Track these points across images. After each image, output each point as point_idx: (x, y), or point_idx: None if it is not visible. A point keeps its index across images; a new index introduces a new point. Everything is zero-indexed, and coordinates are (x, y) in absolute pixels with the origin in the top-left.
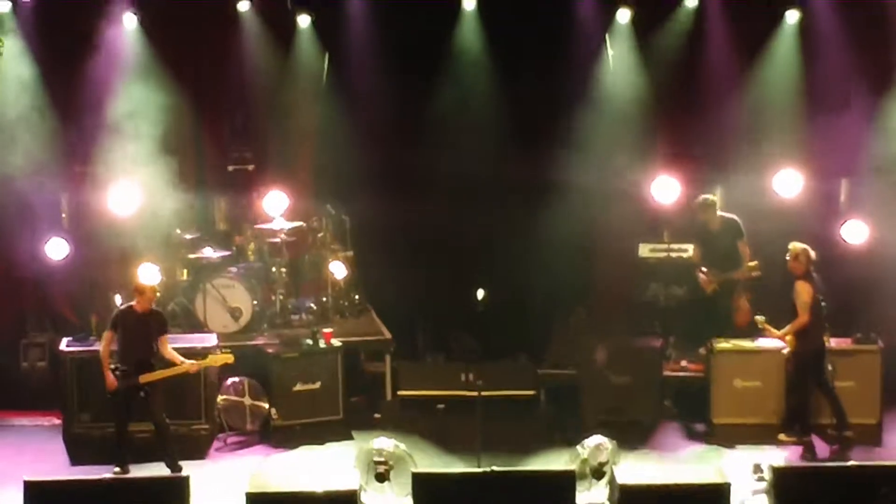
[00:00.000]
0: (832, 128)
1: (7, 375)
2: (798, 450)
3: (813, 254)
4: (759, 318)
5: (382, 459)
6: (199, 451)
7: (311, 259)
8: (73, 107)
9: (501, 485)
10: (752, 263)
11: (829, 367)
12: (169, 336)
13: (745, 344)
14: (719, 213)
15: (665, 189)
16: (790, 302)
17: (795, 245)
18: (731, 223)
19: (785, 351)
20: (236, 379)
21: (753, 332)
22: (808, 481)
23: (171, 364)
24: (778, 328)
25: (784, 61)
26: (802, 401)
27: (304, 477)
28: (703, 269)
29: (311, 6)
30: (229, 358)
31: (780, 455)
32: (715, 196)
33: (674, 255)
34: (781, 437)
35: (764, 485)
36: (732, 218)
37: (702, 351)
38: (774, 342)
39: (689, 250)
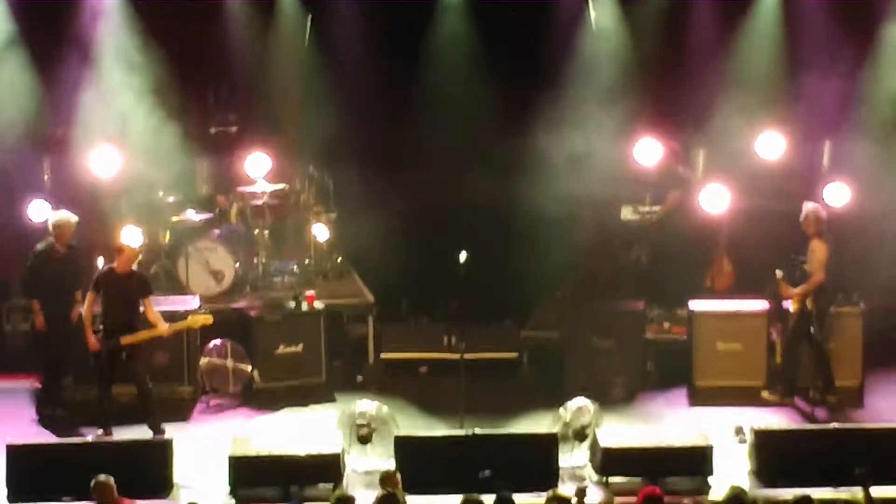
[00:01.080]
0: (815, 90)
1: None
2: (780, 411)
3: (825, 213)
4: (779, 272)
5: (365, 422)
6: (181, 414)
7: (294, 221)
8: (55, 69)
9: (484, 447)
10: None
11: (811, 329)
12: (152, 298)
13: (727, 306)
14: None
15: (648, 152)
16: (783, 263)
17: (806, 205)
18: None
19: (792, 309)
20: (219, 341)
21: (735, 294)
22: (790, 443)
23: (154, 326)
24: (753, 288)
25: (767, 23)
26: (793, 362)
27: (287, 439)
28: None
29: None
30: (208, 319)
31: (762, 417)
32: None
33: (656, 217)
34: (765, 395)
35: (745, 447)
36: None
37: (682, 312)
38: (756, 304)
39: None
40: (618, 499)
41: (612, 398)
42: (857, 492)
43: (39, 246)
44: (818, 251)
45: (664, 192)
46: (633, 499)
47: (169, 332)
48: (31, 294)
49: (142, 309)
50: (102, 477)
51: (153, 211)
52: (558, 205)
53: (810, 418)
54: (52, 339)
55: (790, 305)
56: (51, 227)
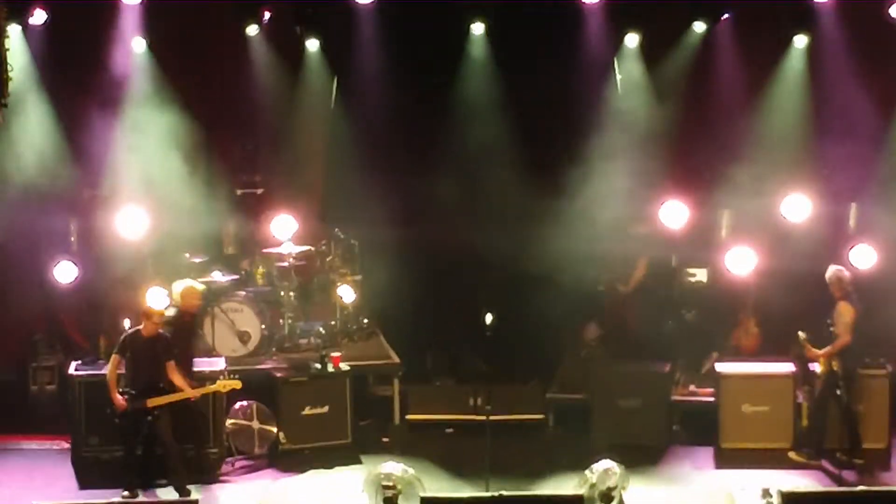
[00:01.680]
0: (841, 151)
1: (16, 399)
2: (807, 473)
3: (848, 275)
4: (802, 334)
5: (391, 484)
6: (207, 475)
7: (320, 283)
8: (82, 130)
9: None
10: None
11: (838, 392)
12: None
13: (754, 368)
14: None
15: (674, 213)
16: (810, 324)
17: (830, 269)
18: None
19: (818, 371)
20: (245, 403)
21: (762, 356)
22: None
23: (180, 388)
24: (779, 350)
25: (792, 84)
26: (821, 423)
27: (312, 501)
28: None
29: (320, 30)
30: (237, 384)
31: (789, 479)
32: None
33: (684, 279)
34: (792, 455)
35: None
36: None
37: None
38: (783, 366)
39: (696, 275)
40: None
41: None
42: None
43: (169, 314)
44: (845, 314)
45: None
46: None
47: (197, 395)
48: None
49: (164, 370)
50: None
51: (179, 272)
52: (583, 264)
53: (838, 480)
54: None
55: (817, 367)
56: (178, 296)
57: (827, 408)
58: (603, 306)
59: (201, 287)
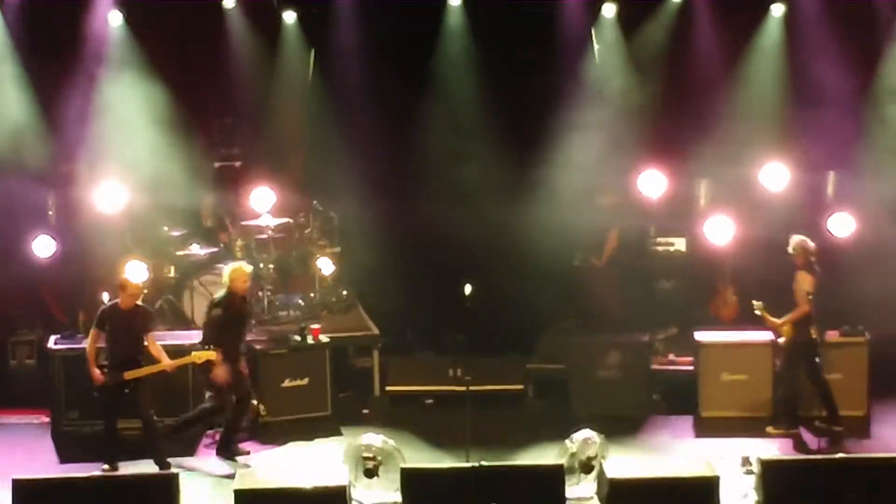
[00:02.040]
0: (818, 120)
1: None
2: (786, 442)
3: (812, 245)
4: (758, 303)
5: (371, 455)
6: (187, 448)
7: (299, 255)
8: (59, 105)
9: (490, 480)
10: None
11: (817, 359)
12: (154, 333)
13: (733, 337)
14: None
15: (652, 183)
16: (788, 293)
17: (795, 237)
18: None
19: (780, 341)
20: None
21: (740, 325)
22: (797, 474)
23: (157, 360)
24: (757, 319)
25: (770, 54)
26: (791, 393)
27: (292, 473)
28: None
29: (297, 2)
30: (211, 355)
31: (769, 448)
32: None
33: (660, 248)
34: (770, 429)
35: (752, 478)
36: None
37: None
38: (761, 335)
39: (674, 244)
40: None
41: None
42: None
43: (218, 296)
44: (804, 283)
45: (671, 223)
46: None
47: (173, 366)
48: (216, 343)
49: (143, 343)
50: None
51: (158, 245)
52: (561, 235)
53: (816, 448)
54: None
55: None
56: (227, 278)
57: (792, 378)
58: (580, 279)
59: (250, 268)
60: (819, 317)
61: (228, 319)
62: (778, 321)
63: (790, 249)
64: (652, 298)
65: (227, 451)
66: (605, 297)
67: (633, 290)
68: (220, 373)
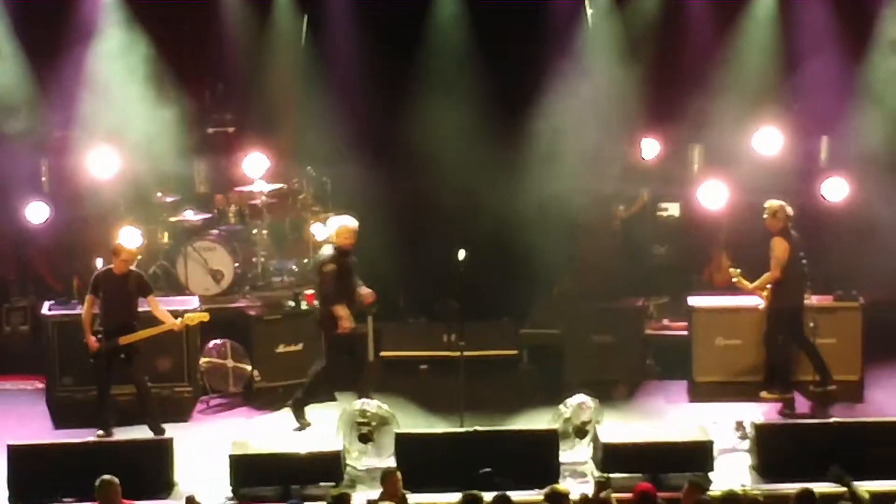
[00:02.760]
0: (812, 85)
1: None
2: (780, 406)
3: (790, 210)
4: (734, 270)
5: (366, 420)
6: (181, 414)
7: (293, 221)
8: (52, 70)
9: (484, 444)
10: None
11: (811, 324)
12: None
13: (726, 302)
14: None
15: (646, 148)
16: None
17: (772, 202)
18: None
19: (760, 307)
20: (218, 341)
21: (734, 290)
22: (790, 438)
23: (157, 324)
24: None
25: (763, 19)
26: (781, 358)
27: (287, 439)
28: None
29: None
30: (204, 316)
31: (762, 412)
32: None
33: (656, 213)
34: (763, 394)
35: (746, 442)
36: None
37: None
38: (755, 300)
39: (668, 209)
40: (617, 495)
41: (614, 397)
42: (861, 485)
43: (325, 252)
44: (777, 249)
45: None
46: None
47: (180, 327)
48: (337, 297)
49: (146, 308)
50: (107, 477)
51: (151, 211)
52: (556, 202)
53: (810, 413)
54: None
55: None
56: (332, 235)
57: (780, 343)
58: (575, 244)
59: (354, 224)
60: (801, 281)
61: (341, 273)
62: (750, 286)
63: (766, 214)
64: (647, 263)
65: (302, 407)
66: (604, 258)
67: (635, 253)
68: (347, 324)
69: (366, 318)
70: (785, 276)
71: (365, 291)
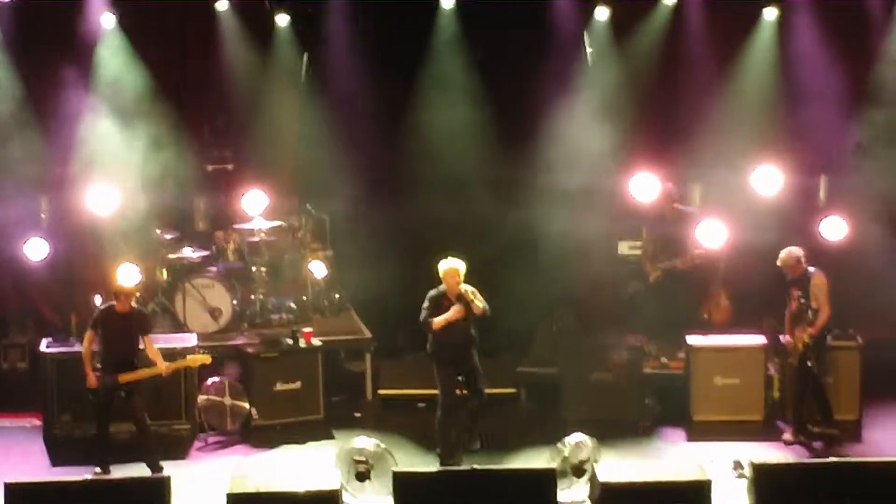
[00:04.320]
0: (811, 123)
1: None
2: (776, 444)
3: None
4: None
5: (363, 458)
6: (179, 451)
7: (291, 258)
8: (51, 107)
9: (482, 483)
10: (697, 252)
11: (809, 364)
12: (151, 336)
13: (725, 341)
14: (677, 206)
15: (644, 186)
16: (778, 295)
17: (791, 251)
18: (685, 215)
19: (797, 344)
20: (216, 379)
21: (732, 329)
22: (789, 477)
23: (151, 363)
24: (750, 323)
25: (762, 57)
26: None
27: (284, 477)
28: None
29: (290, 5)
30: (206, 359)
31: (761, 452)
32: (672, 186)
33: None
34: (787, 437)
35: (745, 481)
36: (688, 210)
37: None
38: (754, 339)
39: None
40: None
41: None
42: None
43: (434, 291)
44: (823, 285)
45: (661, 228)
46: None
47: (168, 371)
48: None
49: (141, 346)
50: None
51: (150, 248)
52: (555, 238)
53: (809, 452)
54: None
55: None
56: (441, 274)
57: (805, 380)
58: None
59: (462, 265)
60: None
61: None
62: (814, 329)
63: (789, 264)
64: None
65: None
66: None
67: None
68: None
69: (363, 355)
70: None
71: None
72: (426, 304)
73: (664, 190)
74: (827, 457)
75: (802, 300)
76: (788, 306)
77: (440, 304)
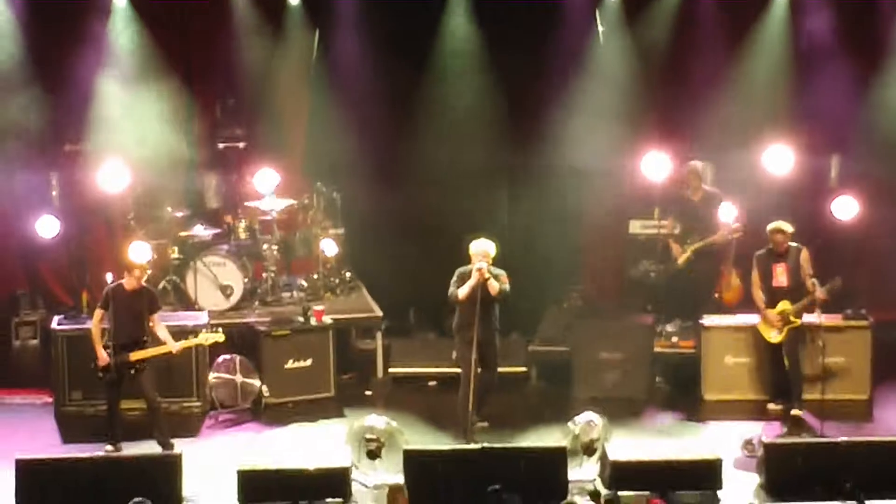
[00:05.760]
0: (822, 103)
1: None
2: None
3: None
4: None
5: (374, 437)
6: (190, 429)
7: (302, 236)
8: (62, 85)
9: (493, 462)
10: (734, 226)
11: (820, 343)
12: (160, 314)
13: (736, 320)
14: (704, 186)
15: (655, 165)
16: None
17: (781, 224)
18: (713, 196)
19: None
20: (227, 356)
21: (744, 308)
22: (799, 456)
23: (161, 342)
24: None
25: (774, 37)
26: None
27: (295, 454)
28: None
29: None
30: (219, 337)
31: (771, 431)
32: (702, 164)
33: (664, 231)
34: (773, 407)
35: (755, 460)
36: (715, 191)
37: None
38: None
39: (677, 226)
40: None
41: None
42: None
43: (461, 270)
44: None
45: (689, 209)
46: None
47: (179, 349)
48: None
49: (147, 324)
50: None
51: (161, 226)
52: (566, 218)
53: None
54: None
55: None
56: (471, 253)
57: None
58: (586, 261)
59: (491, 247)
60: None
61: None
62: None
63: (784, 234)
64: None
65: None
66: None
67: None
68: None
69: (374, 333)
70: None
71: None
72: (454, 278)
73: (691, 169)
74: (837, 436)
75: (813, 280)
76: (769, 281)
77: (466, 282)
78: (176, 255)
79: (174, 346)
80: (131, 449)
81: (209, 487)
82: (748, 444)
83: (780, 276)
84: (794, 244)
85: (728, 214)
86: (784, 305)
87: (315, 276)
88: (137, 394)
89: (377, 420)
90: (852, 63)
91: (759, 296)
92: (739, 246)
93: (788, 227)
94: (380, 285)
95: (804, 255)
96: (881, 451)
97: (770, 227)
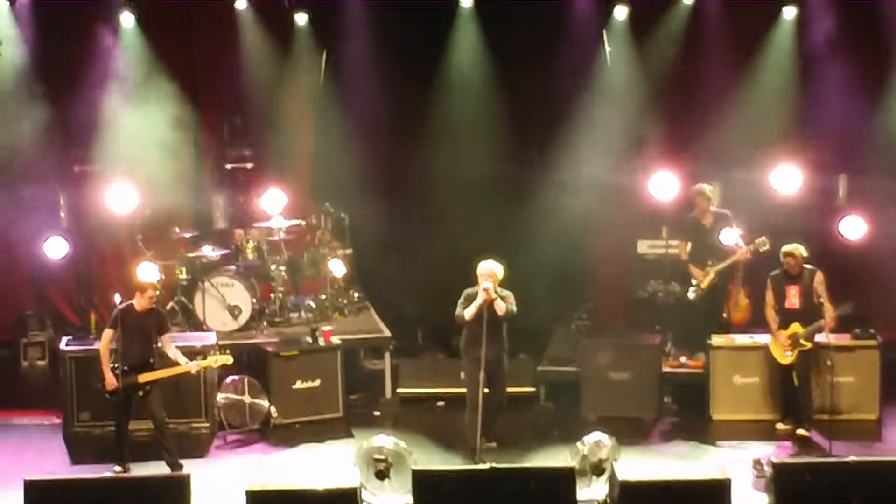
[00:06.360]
0: (829, 122)
1: (7, 374)
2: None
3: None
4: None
5: (382, 457)
6: (199, 450)
7: (310, 257)
8: (71, 106)
9: (501, 482)
10: (759, 239)
11: (829, 363)
12: (170, 335)
13: (744, 340)
14: (712, 208)
15: (663, 185)
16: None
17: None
18: (723, 217)
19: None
20: (236, 377)
21: (753, 328)
22: (808, 476)
23: (172, 363)
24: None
25: (781, 56)
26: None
27: (304, 475)
28: (696, 263)
29: (309, 4)
30: (228, 359)
31: (780, 451)
32: (710, 186)
33: (672, 251)
34: (802, 432)
35: (763, 480)
36: (724, 212)
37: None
38: (769, 338)
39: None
40: None
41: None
42: None
43: (468, 291)
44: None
45: (703, 234)
46: None
47: (196, 370)
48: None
49: (156, 346)
50: None
51: (169, 247)
52: (574, 237)
53: (826, 450)
54: None
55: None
56: (479, 274)
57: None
58: (594, 280)
59: (499, 268)
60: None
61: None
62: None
63: (794, 258)
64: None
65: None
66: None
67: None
68: None
69: (382, 353)
70: None
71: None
72: (461, 299)
73: (699, 191)
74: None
75: (820, 300)
76: (782, 303)
77: (473, 302)
78: (184, 276)
79: (191, 367)
80: (140, 470)
81: None
82: (757, 463)
83: (793, 298)
84: (808, 266)
85: (730, 237)
86: (795, 328)
87: (323, 297)
88: (146, 415)
89: (386, 440)
90: (860, 81)
91: (772, 316)
92: (747, 265)
93: (802, 251)
94: (388, 305)
95: (818, 277)
96: (890, 471)
97: (784, 249)
